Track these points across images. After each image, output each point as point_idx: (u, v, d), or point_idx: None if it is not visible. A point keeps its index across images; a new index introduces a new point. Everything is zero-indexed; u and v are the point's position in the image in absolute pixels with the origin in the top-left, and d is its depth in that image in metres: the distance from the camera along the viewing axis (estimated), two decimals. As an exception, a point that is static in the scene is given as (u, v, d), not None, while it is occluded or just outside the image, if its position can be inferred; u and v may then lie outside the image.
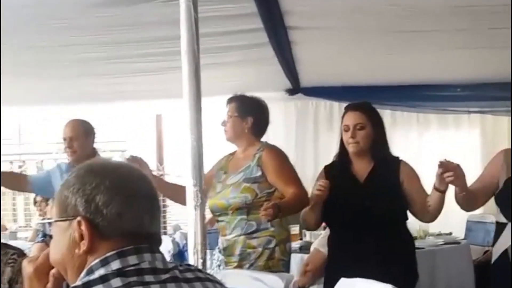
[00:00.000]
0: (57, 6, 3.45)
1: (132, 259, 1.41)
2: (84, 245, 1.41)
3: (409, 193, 3.38)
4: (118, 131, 7.30)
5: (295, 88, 6.47)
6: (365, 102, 3.56)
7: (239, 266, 3.57)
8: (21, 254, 2.98)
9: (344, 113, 3.48)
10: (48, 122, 6.70)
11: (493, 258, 3.39)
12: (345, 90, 6.49)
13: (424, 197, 3.33)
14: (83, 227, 1.41)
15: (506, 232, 3.28)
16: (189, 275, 1.48)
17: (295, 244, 5.02)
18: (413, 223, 5.44)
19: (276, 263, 3.58)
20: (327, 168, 3.59)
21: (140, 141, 6.61)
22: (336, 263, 3.48)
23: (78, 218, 1.41)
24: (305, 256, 4.59)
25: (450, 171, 3.05)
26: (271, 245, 3.56)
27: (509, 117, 6.82)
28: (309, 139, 6.91)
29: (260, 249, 3.55)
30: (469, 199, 3.29)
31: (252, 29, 4.08)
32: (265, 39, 4.27)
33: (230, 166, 3.73)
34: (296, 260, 4.69)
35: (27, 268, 1.59)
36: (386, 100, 6.72)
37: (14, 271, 2.77)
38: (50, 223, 1.55)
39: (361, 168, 3.44)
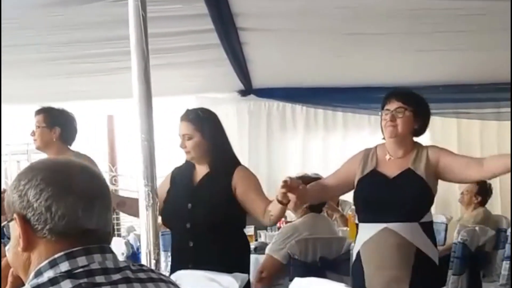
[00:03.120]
0: (5, 5, 3.38)
1: (82, 260, 1.39)
2: (21, 243, 1.40)
3: (242, 200, 3.40)
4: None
5: (247, 89, 6.50)
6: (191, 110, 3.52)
7: None
8: None
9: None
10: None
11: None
12: (296, 92, 6.56)
13: (261, 205, 3.35)
14: (19, 224, 1.40)
15: (359, 234, 3.42)
16: (141, 275, 1.47)
17: (251, 245, 5.03)
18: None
19: None
20: (173, 172, 3.64)
21: (91, 141, 6.53)
22: None
23: (14, 215, 1.41)
24: (260, 257, 4.63)
25: (293, 191, 3.11)
26: None
27: (453, 119, 7.01)
28: (262, 140, 6.95)
29: None
30: (316, 193, 3.51)
31: (204, 30, 4.09)
32: (217, 40, 4.27)
33: None
34: (252, 261, 4.71)
35: None
36: (338, 102, 6.82)
37: None
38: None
39: (199, 173, 3.50)
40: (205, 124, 3.41)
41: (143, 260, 2.56)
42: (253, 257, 4.69)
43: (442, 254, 3.89)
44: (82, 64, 4.77)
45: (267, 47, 4.78)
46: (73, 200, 1.42)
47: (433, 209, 3.57)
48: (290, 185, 3.08)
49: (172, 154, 3.94)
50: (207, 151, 3.40)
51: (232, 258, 3.35)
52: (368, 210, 3.38)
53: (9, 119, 5.52)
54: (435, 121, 7.09)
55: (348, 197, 5.28)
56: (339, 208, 6.04)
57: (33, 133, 3.91)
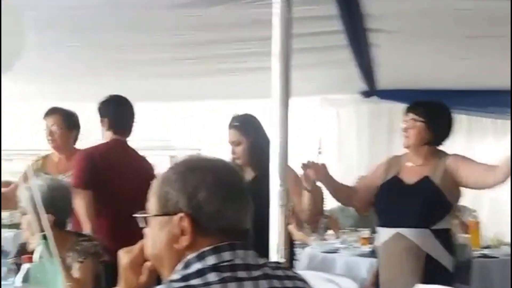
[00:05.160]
0: (139, 7, 3.53)
1: (226, 255, 1.43)
2: (186, 241, 1.44)
3: None
4: (193, 130, 7.39)
5: (370, 91, 6.42)
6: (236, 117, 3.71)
7: None
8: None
9: None
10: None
11: None
12: (420, 94, 6.39)
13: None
14: (185, 223, 1.44)
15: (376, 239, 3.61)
16: (279, 272, 1.50)
17: (366, 248, 4.99)
18: (487, 231, 5.34)
19: None
20: None
21: (216, 140, 6.67)
22: None
23: (181, 214, 1.44)
24: (375, 260, 4.58)
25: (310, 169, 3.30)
26: None
27: None
28: (383, 142, 6.83)
29: None
30: (345, 195, 3.65)
31: (332, 31, 4.09)
32: (344, 41, 4.26)
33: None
34: (365, 265, 4.67)
35: (123, 259, 1.62)
36: (462, 105, 6.58)
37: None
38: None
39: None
40: (251, 129, 3.60)
41: (273, 258, 2.59)
42: (367, 260, 4.65)
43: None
44: (210, 65, 4.89)
45: (395, 48, 4.70)
46: (237, 202, 1.49)
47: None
48: (306, 165, 3.32)
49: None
50: (254, 156, 3.54)
51: None
52: (383, 215, 3.53)
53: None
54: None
55: (468, 202, 5.14)
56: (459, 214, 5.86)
57: (51, 134, 4.01)
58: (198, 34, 4.08)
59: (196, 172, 1.48)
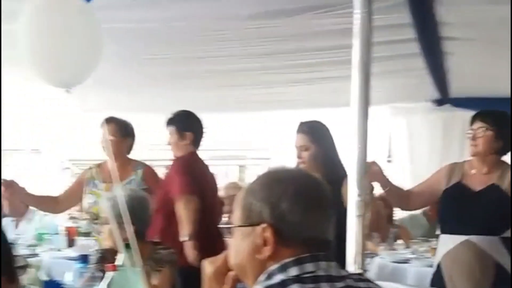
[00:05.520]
0: (216, 18, 3.59)
1: (309, 266, 1.44)
2: (268, 251, 1.46)
3: None
4: (265, 140, 7.39)
5: (444, 99, 6.30)
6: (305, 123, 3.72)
7: None
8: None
9: None
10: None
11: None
12: (495, 102, 6.23)
13: None
14: (267, 233, 1.45)
15: (440, 246, 3.53)
16: (361, 284, 1.50)
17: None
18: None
19: None
20: None
21: (284, 149, 6.68)
22: None
23: (263, 225, 1.46)
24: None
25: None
26: None
27: None
28: (456, 151, 6.67)
29: None
30: (399, 197, 3.62)
31: (404, 40, 4.05)
32: (416, 50, 4.21)
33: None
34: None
35: (207, 268, 1.64)
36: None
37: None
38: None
39: None
40: (319, 135, 3.62)
41: (349, 269, 2.58)
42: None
43: None
44: (284, 75, 4.91)
45: (468, 56, 4.62)
46: (319, 213, 1.50)
47: None
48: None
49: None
50: (321, 162, 3.53)
51: None
52: (449, 222, 3.49)
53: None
54: None
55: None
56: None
57: (105, 142, 4.05)
58: (276, 45, 4.12)
59: (279, 182, 1.50)
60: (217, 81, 4.86)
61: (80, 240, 5.51)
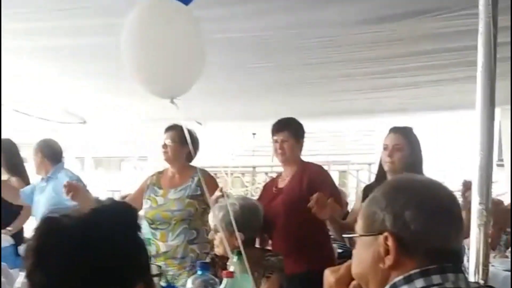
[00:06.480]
0: (325, 25, 3.58)
1: (436, 279, 1.39)
2: (389, 260, 1.42)
3: None
4: (368, 144, 7.32)
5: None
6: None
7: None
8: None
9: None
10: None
11: None
12: None
13: None
14: (389, 242, 1.42)
15: None
16: None
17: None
18: None
19: None
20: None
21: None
22: None
23: (385, 234, 1.43)
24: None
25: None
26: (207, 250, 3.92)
27: None
28: None
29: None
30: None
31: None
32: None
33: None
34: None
35: (329, 277, 1.63)
36: None
37: None
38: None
39: None
40: (414, 139, 3.61)
41: (471, 279, 2.47)
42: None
43: None
44: (390, 79, 4.85)
45: None
46: (446, 221, 1.44)
47: None
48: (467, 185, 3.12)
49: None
50: (410, 166, 3.47)
51: None
52: None
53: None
54: None
55: None
56: None
57: (165, 147, 4.12)
58: (391, 48, 4.09)
59: (403, 191, 1.46)
60: (328, 87, 4.85)
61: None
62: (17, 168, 5.26)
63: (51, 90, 5.55)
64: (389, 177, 3.56)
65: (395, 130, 3.66)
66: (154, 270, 2.90)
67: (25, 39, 3.86)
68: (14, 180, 5.16)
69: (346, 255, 4.57)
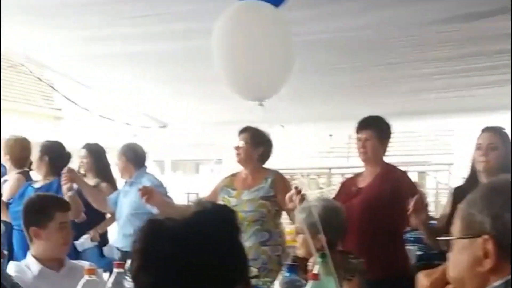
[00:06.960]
0: (403, 25, 3.56)
1: None
2: (489, 264, 1.40)
3: None
4: (446, 144, 7.19)
5: None
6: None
7: None
8: None
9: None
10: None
11: None
12: None
13: None
14: (488, 245, 1.39)
15: None
16: None
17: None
18: None
19: None
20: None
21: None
22: None
23: (485, 236, 1.40)
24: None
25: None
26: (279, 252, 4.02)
27: None
28: None
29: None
30: None
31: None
32: None
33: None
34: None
35: (423, 281, 1.64)
36: None
37: None
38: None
39: None
40: (507, 139, 3.52)
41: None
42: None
43: None
44: (467, 78, 4.79)
45: None
46: None
47: None
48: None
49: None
50: (505, 165, 3.35)
51: None
52: None
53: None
54: None
55: None
56: None
57: (237, 148, 4.14)
58: (454, 49, 4.05)
59: (502, 192, 1.43)
60: (401, 87, 4.80)
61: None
62: (105, 171, 5.40)
63: (132, 95, 5.69)
64: (482, 176, 3.50)
65: (488, 129, 3.60)
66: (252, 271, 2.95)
67: (109, 45, 3.98)
68: (104, 186, 5.29)
69: (425, 258, 4.50)
